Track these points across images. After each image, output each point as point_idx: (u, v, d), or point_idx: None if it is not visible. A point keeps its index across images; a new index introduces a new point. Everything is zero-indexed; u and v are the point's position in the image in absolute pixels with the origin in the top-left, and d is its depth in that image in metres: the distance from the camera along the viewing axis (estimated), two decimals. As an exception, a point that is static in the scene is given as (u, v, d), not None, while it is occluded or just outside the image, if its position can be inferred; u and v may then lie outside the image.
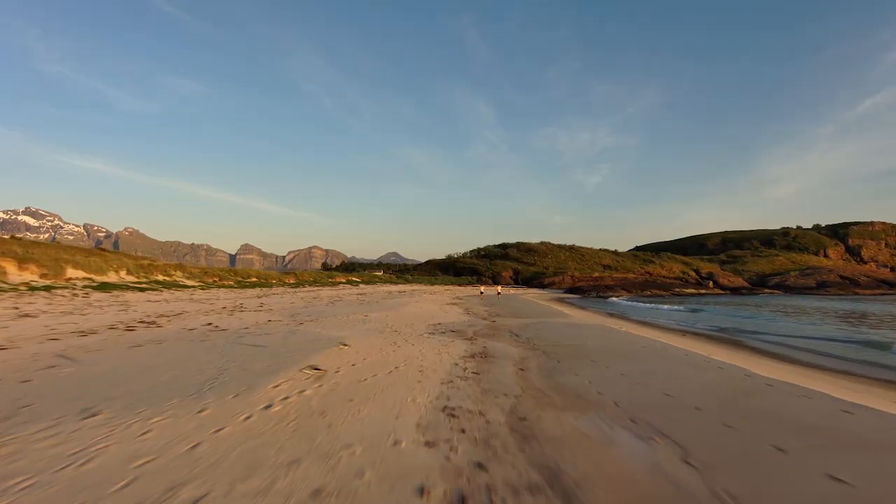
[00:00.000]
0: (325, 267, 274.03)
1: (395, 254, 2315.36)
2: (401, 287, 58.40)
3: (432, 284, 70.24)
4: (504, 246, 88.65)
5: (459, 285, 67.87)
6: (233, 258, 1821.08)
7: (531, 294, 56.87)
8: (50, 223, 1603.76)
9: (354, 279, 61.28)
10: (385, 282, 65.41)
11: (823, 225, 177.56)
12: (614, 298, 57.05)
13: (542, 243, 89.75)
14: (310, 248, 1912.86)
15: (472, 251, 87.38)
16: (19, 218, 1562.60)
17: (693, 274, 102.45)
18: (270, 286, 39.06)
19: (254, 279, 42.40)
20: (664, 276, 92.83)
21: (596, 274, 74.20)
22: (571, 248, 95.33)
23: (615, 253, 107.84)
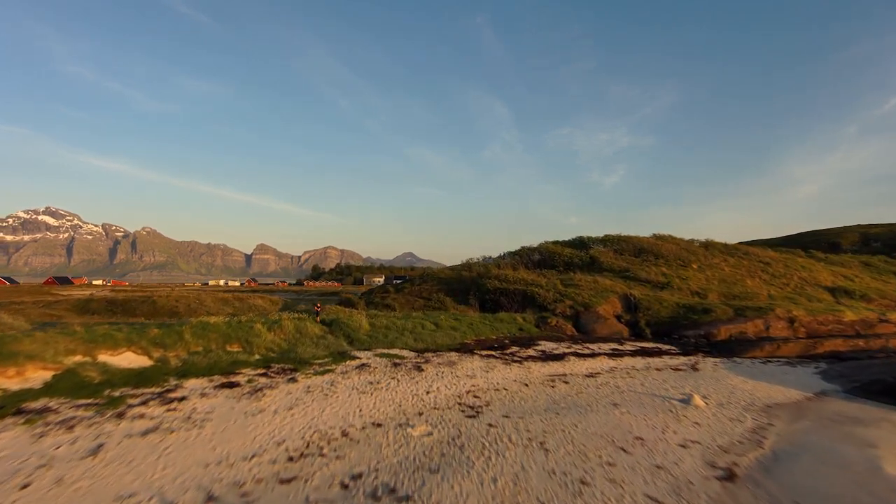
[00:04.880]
0: (339, 271, 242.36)
1: (410, 254, 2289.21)
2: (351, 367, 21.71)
3: (431, 330, 33.04)
4: (584, 243, 45.10)
5: (496, 344, 30.57)
6: (248, 258, 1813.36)
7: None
8: (69, 223, 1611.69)
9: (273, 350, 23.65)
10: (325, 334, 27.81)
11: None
12: None
13: (660, 238, 45.91)
14: (325, 248, 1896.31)
15: (510, 253, 45.70)
16: (40, 218, 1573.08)
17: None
18: None
19: None
20: None
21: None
22: (729, 249, 46.37)
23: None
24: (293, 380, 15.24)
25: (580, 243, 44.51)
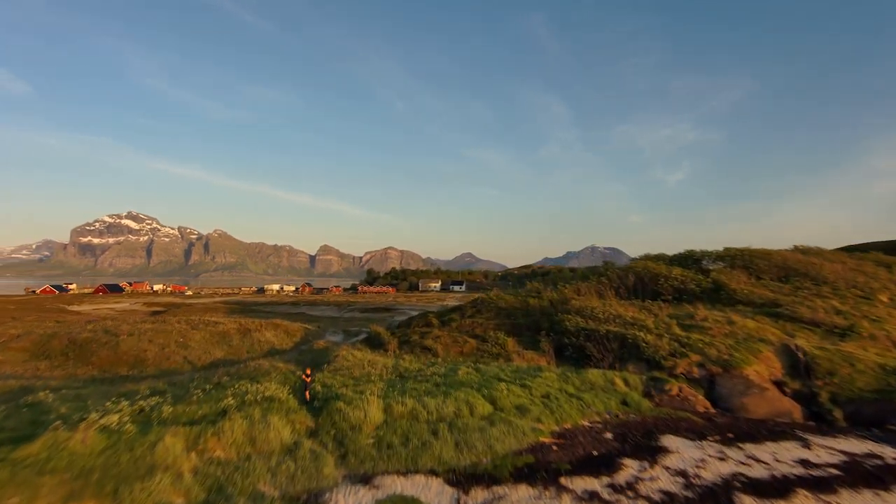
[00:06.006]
0: (393, 276, 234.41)
1: (469, 254, 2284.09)
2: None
3: (484, 415, 21.49)
4: (696, 259, 32.94)
5: (592, 446, 20.68)
6: (312, 259, 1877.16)
7: None
8: (149, 226, 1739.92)
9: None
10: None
11: None
12: None
13: (805, 251, 34.91)
14: (385, 248, 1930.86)
15: (591, 272, 35.23)
16: (122, 221, 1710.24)
17: None
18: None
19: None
20: None
21: None
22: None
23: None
24: None
25: (690, 259, 32.49)
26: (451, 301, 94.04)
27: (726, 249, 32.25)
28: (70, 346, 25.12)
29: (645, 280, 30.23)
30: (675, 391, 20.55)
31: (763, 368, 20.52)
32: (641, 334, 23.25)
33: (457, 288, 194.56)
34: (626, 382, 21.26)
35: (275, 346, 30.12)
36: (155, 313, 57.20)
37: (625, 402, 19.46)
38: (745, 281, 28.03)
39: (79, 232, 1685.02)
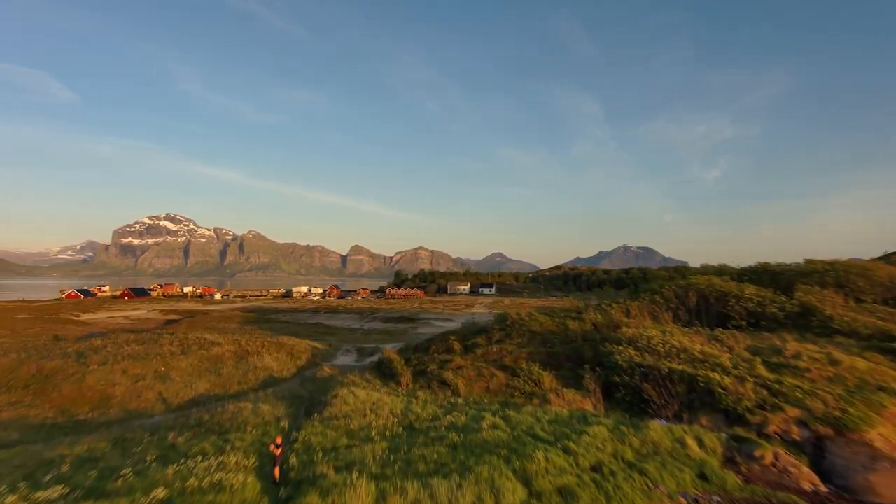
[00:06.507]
0: (422, 278, 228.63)
1: (499, 254, 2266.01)
2: None
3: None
4: (773, 274, 26.40)
5: None
6: (344, 259, 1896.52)
7: None
8: (186, 227, 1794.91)
9: None
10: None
11: None
12: None
13: None
14: (416, 248, 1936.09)
15: (644, 292, 28.66)
16: (161, 223, 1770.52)
17: None
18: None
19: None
20: None
21: None
22: None
23: None
24: None
25: (764, 274, 26.90)
26: (480, 309, 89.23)
27: (809, 262, 26.46)
28: (35, 378, 21.80)
29: (710, 300, 24.98)
30: (768, 459, 15.45)
31: (892, 432, 15.29)
32: (716, 376, 18.18)
33: (486, 291, 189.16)
34: (700, 443, 16.25)
35: (273, 374, 26.21)
36: (168, 322, 54.72)
37: (702, 475, 14.56)
38: (841, 304, 22.45)
39: (120, 233, 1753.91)
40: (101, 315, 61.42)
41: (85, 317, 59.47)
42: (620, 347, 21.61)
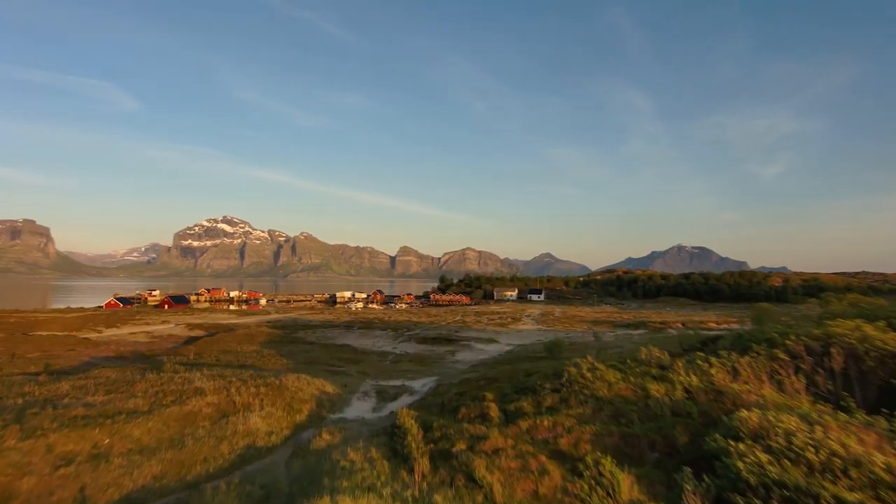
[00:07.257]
0: (467, 283, 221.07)
1: (548, 255, 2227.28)
2: None
3: None
4: None
5: None
6: (392, 260, 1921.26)
7: None
8: (242, 230, 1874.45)
9: None
10: None
11: None
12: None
13: None
14: (463, 249, 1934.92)
15: (751, 339, 21.62)
16: (219, 225, 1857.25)
17: None
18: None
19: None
20: None
21: None
22: None
23: None
24: None
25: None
26: (527, 324, 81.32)
27: None
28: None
29: (864, 360, 16.99)
30: None
31: None
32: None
33: (535, 297, 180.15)
34: None
35: (255, 443, 20.14)
36: (187, 342, 50.89)
37: None
38: None
39: (181, 235, 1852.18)
40: (124, 330, 58.80)
41: (107, 332, 56.89)
42: (740, 446, 14.08)
